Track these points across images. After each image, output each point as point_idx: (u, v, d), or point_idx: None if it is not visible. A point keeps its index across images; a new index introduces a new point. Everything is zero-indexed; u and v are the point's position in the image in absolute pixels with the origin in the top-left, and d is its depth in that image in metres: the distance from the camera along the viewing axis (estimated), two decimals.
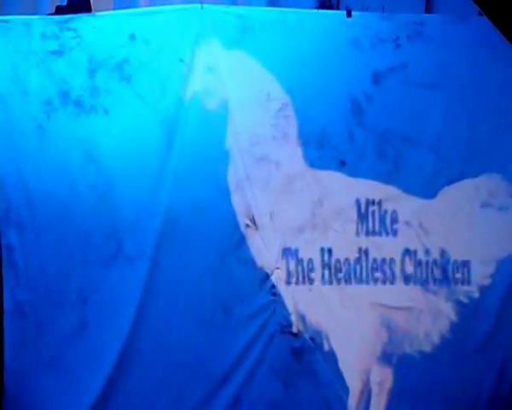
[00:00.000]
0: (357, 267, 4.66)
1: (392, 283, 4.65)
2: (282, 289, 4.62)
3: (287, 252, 4.64)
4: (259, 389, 4.69)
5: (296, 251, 4.61)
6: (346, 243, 4.68)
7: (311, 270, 4.61)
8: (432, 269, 4.58)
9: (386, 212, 4.65)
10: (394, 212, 4.64)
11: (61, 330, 4.68)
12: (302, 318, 4.65)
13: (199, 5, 4.73)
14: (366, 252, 4.65)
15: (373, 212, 4.64)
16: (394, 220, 4.63)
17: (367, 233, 4.67)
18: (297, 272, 4.62)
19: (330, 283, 4.62)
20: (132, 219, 4.67)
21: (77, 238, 4.67)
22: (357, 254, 4.65)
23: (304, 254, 4.61)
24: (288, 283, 4.61)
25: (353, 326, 4.65)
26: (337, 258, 4.67)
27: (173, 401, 4.69)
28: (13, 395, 4.65)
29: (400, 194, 4.67)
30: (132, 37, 4.67)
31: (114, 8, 5.14)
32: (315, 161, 4.70)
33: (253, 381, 4.69)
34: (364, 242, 4.66)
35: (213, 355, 4.63)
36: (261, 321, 4.65)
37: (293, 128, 4.68)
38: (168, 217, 4.61)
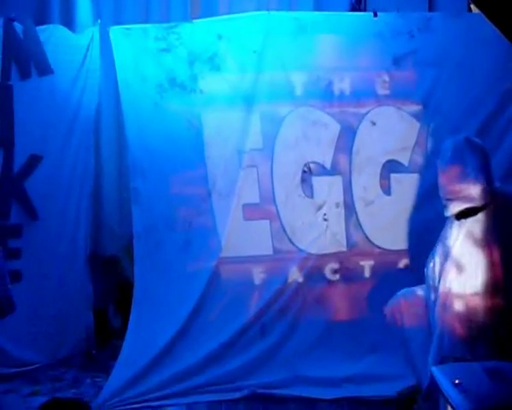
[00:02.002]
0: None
1: None
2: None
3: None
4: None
5: None
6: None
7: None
8: None
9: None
10: None
11: (173, 245, 5.47)
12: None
13: (266, 12, 5.49)
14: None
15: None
16: None
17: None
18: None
19: None
20: (222, 166, 5.47)
21: (182, 180, 5.47)
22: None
23: None
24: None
25: None
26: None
27: None
28: (140, 288, 5.40)
29: None
30: (219, 36, 5.42)
31: (201, 15, 6.01)
32: (353, 122, 5.51)
33: None
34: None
35: None
36: (316, 235, 5.49)
37: (336, 96, 5.46)
38: (249, 164, 5.44)
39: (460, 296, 4.10)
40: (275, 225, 5.50)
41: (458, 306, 4.12)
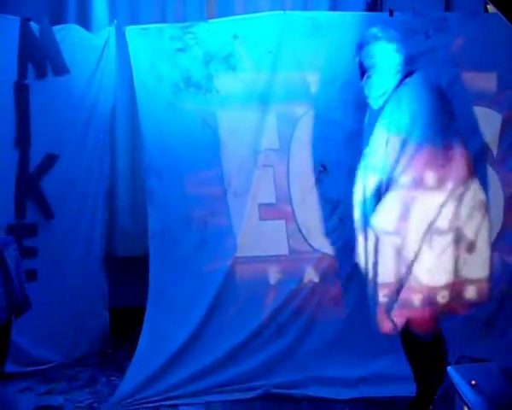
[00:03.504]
0: None
1: None
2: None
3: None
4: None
5: None
6: None
7: None
8: None
9: None
10: None
11: (188, 245, 5.48)
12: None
13: (282, 12, 5.50)
14: None
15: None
16: None
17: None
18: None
19: None
20: (237, 166, 5.48)
21: (197, 180, 5.49)
22: None
23: None
24: None
25: None
26: None
27: None
28: (156, 288, 5.40)
29: None
30: (235, 36, 5.45)
31: (217, 15, 6.10)
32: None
33: None
34: None
35: None
36: (334, 237, 5.44)
37: (352, 96, 5.31)
38: (264, 164, 5.43)
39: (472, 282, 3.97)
40: (290, 225, 5.48)
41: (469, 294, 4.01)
